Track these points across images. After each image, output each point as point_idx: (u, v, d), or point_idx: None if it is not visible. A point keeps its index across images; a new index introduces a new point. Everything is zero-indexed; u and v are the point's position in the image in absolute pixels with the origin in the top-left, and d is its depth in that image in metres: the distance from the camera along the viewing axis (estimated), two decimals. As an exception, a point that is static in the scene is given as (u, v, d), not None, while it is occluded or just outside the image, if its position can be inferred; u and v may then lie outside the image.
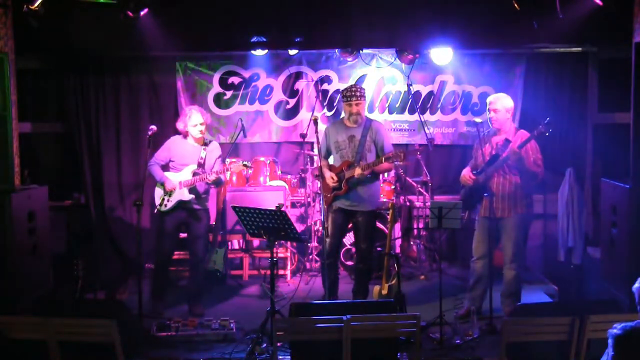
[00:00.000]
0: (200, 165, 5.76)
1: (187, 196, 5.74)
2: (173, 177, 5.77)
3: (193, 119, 5.73)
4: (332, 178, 5.64)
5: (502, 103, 5.50)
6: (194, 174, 5.74)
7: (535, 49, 7.19)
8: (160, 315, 5.65)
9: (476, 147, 5.67)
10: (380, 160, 5.48)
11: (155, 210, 5.85)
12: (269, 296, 4.89)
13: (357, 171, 5.48)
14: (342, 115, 5.84)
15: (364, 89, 5.74)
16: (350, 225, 5.85)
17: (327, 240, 5.54)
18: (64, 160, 7.52)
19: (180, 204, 5.77)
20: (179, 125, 5.77)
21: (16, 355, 4.08)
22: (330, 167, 5.79)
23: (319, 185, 5.93)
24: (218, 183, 5.91)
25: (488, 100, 5.60)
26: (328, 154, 5.87)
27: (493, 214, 5.41)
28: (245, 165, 5.81)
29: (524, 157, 5.30)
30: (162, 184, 5.72)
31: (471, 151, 5.92)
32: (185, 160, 5.79)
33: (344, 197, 5.64)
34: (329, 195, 5.68)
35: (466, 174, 5.60)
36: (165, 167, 5.87)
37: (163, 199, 5.72)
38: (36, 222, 5.68)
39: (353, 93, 5.62)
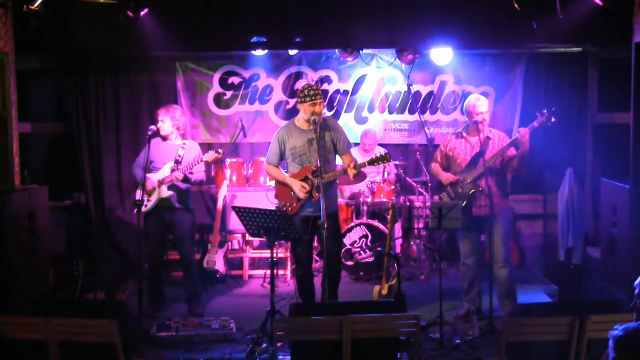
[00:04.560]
0: (178, 162, 5.81)
1: (166, 193, 5.77)
2: (153, 177, 5.80)
3: (161, 121, 5.80)
4: (304, 187, 5.26)
5: (486, 102, 5.53)
6: (172, 170, 5.78)
7: (535, 49, 7.19)
8: (154, 317, 5.63)
9: (450, 148, 5.63)
10: (364, 164, 5.25)
11: (135, 211, 5.83)
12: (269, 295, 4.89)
13: (351, 171, 5.19)
14: (300, 115, 5.36)
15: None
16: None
17: (298, 250, 5.41)
18: (64, 160, 7.52)
19: (161, 203, 5.80)
20: (153, 127, 5.75)
21: (16, 355, 4.08)
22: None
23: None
24: (191, 182, 5.89)
25: (474, 103, 5.50)
26: (279, 160, 5.48)
27: (481, 213, 5.42)
28: (217, 152, 5.78)
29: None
30: (143, 185, 5.70)
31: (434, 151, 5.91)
32: (164, 159, 5.84)
33: (311, 205, 5.27)
34: (294, 204, 5.33)
35: (449, 176, 5.56)
36: (148, 170, 5.81)
37: (143, 200, 5.68)
38: (36, 222, 5.68)
39: (316, 92, 5.22)
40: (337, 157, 5.53)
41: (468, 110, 5.53)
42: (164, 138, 5.89)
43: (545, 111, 5.36)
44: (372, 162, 5.26)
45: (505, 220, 5.52)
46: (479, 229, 5.56)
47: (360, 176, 5.51)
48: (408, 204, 7.46)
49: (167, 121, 5.83)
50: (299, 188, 5.29)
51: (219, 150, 5.81)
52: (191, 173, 5.77)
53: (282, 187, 5.45)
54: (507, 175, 5.61)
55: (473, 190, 5.40)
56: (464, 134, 5.59)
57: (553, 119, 5.31)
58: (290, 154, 5.38)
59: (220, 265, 6.66)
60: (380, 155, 5.31)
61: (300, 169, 5.35)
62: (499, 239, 5.45)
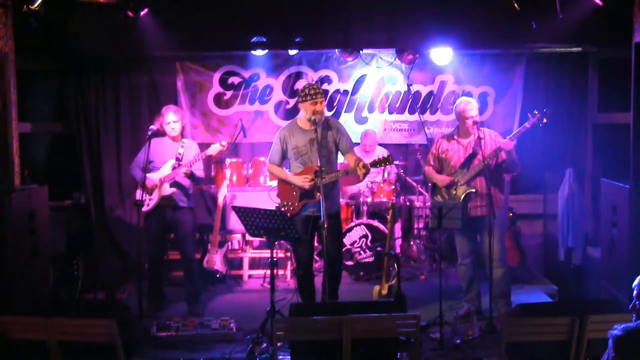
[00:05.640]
0: (178, 160, 5.81)
1: (168, 190, 5.77)
2: (153, 176, 5.79)
3: (166, 118, 5.82)
4: (307, 178, 5.22)
5: (476, 105, 5.53)
6: (173, 168, 5.78)
7: (535, 49, 7.19)
8: (154, 317, 5.63)
9: (442, 150, 5.61)
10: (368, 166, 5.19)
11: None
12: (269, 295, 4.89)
13: (361, 171, 5.14)
14: (302, 115, 5.35)
15: None
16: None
17: (299, 250, 5.40)
18: (64, 160, 7.51)
19: (163, 201, 5.80)
20: (155, 125, 5.75)
21: (16, 355, 4.08)
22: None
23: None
24: (195, 179, 5.90)
25: (464, 107, 5.48)
26: (281, 160, 5.46)
27: (477, 213, 5.42)
28: (221, 144, 5.79)
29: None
30: (143, 185, 5.67)
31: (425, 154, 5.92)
32: (164, 158, 5.84)
33: (312, 205, 5.26)
34: (296, 204, 5.33)
35: (444, 179, 5.54)
36: (147, 170, 5.79)
37: (144, 200, 5.66)
38: (36, 222, 5.68)
39: (317, 91, 5.22)
40: (340, 156, 5.53)
41: (458, 113, 5.53)
42: (174, 139, 5.90)
43: (536, 112, 5.38)
44: (374, 165, 5.24)
45: (502, 219, 5.54)
46: (476, 229, 5.56)
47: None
48: (408, 204, 7.46)
49: (179, 121, 5.86)
50: (301, 181, 5.26)
51: (224, 142, 5.82)
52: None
53: (284, 186, 5.44)
54: (504, 175, 5.62)
55: (468, 191, 5.42)
56: (455, 136, 5.60)
57: (545, 120, 5.33)
58: (293, 154, 5.37)
59: (220, 265, 6.66)
60: (383, 157, 5.29)
61: (302, 168, 5.34)
62: (496, 238, 5.46)
